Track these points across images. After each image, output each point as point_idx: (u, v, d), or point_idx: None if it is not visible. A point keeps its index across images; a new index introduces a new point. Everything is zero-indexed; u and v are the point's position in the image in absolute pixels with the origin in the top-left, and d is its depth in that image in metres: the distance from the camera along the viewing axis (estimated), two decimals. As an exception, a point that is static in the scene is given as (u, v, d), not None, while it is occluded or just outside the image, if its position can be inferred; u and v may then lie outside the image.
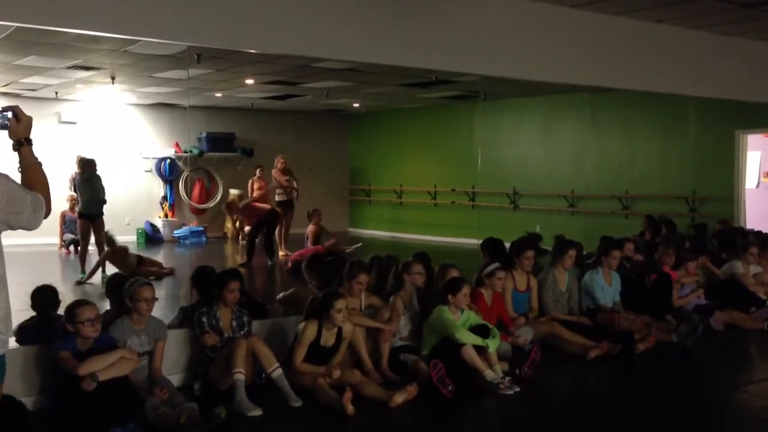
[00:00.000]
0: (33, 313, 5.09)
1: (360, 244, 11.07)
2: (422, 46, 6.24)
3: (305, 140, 15.01)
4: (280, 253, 11.45)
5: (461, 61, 6.59)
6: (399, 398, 4.73)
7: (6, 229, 2.69)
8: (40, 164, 2.80)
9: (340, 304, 5.03)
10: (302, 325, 5.12)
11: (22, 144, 2.78)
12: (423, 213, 15.01)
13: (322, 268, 6.10)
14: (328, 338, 5.10)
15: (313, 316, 5.10)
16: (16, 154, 2.81)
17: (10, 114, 2.77)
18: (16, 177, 2.76)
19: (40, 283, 5.25)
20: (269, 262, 10.86)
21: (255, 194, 12.01)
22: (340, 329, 5.12)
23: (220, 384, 4.90)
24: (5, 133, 2.79)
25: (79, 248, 10.08)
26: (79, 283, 9.17)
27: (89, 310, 4.40)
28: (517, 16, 6.73)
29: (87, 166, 9.72)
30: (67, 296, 5.34)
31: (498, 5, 6.61)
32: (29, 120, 2.80)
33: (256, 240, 11.10)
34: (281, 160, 11.86)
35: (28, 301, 5.09)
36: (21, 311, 4.75)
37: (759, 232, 9.23)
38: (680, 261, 7.48)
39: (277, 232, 11.61)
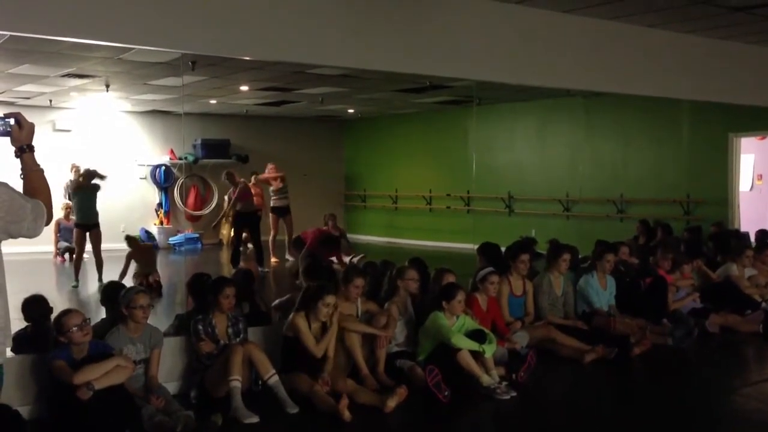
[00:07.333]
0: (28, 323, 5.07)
1: (363, 255, 10.81)
2: (417, 51, 6.26)
3: (300, 146, 15.01)
4: (273, 259, 11.40)
5: (456, 67, 6.61)
6: (392, 402, 4.73)
7: (6, 238, 2.67)
8: (42, 171, 2.79)
9: (329, 299, 5.04)
10: (291, 318, 5.11)
11: (24, 151, 2.76)
12: (418, 218, 15.01)
13: (320, 274, 6.10)
14: (314, 332, 5.10)
15: (301, 308, 5.11)
16: (18, 161, 2.78)
17: (12, 121, 2.75)
18: (18, 184, 2.75)
19: (36, 292, 5.24)
20: (259, 270, 10.51)
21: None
22: (324, 328, 5.12)
23: (216, 391, 4.88)
24: (7, 139, 2.77)
25: (74, 256, 10.04)
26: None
27: (74, 317, 4.41)
28: (510, 22, 6.75)
29: (88, 177, 9.70)
30: (61, 305, 5.32)
31: (492, 11, 6.63)
32: (31, 127, 2.78)
33: (241, 248, 11.04)
34: (271, 167, 11.90)
35: (24, 310, 5.07)
36: (16, 320, 4.73)
37: (755, 233, 9.26)
38: (675, 264, 7.50)
39: (271, 238, 11.55)
